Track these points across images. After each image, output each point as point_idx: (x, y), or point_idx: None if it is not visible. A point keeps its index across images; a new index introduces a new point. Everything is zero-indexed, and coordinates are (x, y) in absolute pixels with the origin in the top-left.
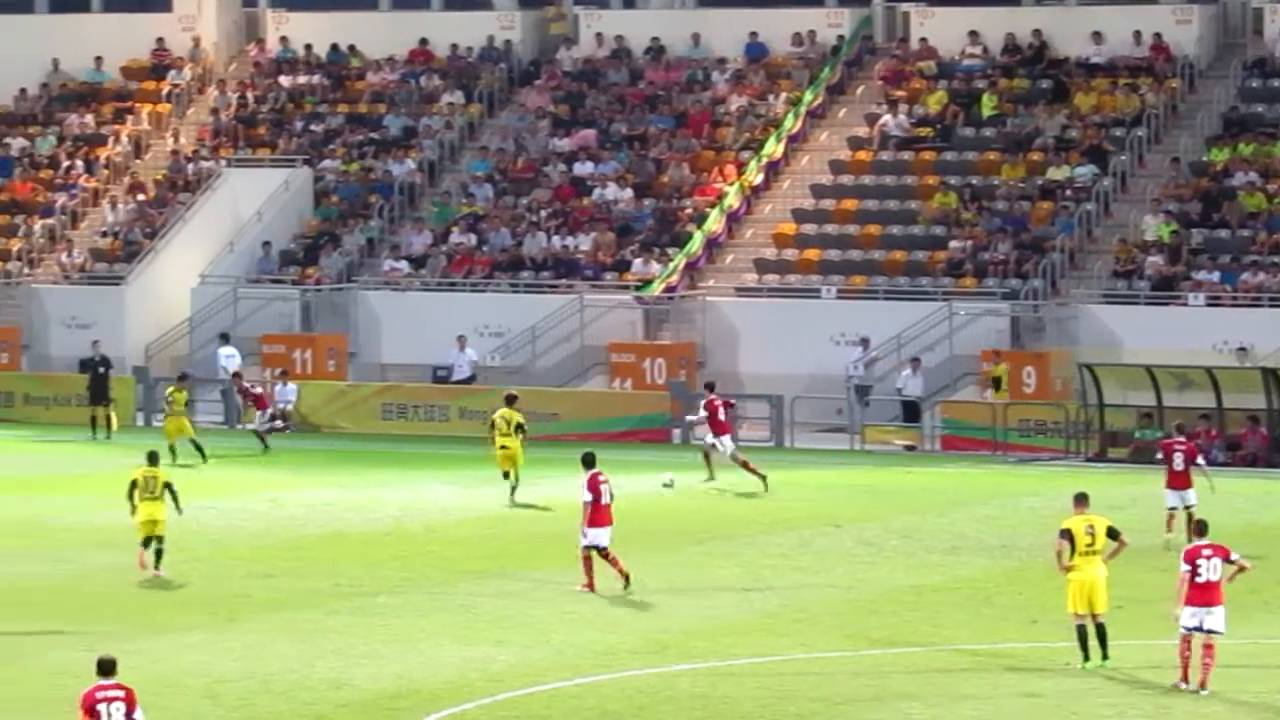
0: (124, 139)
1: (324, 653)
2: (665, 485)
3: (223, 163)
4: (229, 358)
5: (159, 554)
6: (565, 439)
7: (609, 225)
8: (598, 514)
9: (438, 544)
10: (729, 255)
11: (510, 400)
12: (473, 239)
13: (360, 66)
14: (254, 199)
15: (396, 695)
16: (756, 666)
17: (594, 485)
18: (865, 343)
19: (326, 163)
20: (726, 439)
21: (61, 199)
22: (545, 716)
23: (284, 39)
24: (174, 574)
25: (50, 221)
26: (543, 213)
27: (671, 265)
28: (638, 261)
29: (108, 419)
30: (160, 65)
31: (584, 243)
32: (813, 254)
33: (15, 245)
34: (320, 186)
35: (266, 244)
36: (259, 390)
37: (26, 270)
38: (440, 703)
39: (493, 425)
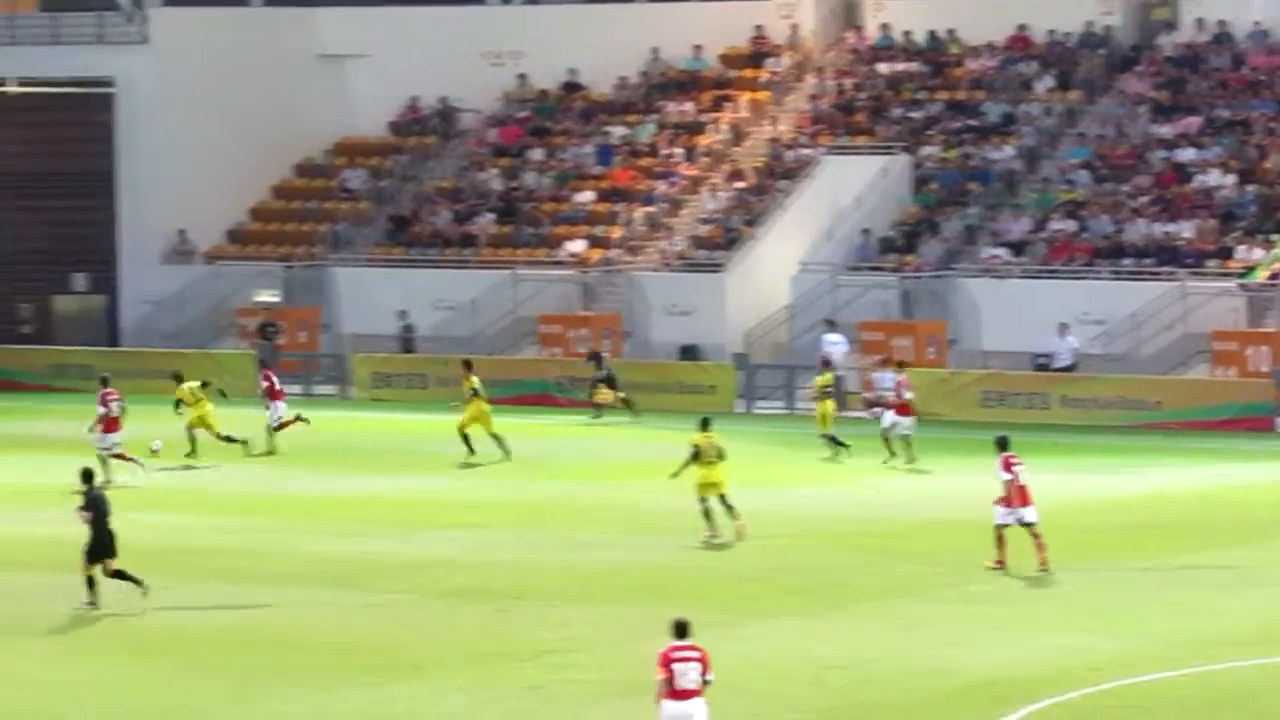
0: (723, 127)
1: (924, 641)
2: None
3: (821, 150)
4: (835, 345)
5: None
6: (1167, 427)
7: (1211, 212)
8: (1017, 493)
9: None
10: None
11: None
12: (1073, 226)
13: (959, 53)
14: (853, 186)
15: (998, 683)
16: None
17: (1008, 465)
18: None
19: (925, 149)
20: None
21: (661, 186)
22: (1146, 707)
23: (884, 26)
24: (772, 561)
25: (650, 209)
26: (1143, 199)
27: (1275, 252)
28: (1241, 248)
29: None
30: (759, 53)
31: (1186, 229)
32: None
33: (616, 233)
34: (919, 173)
35: (865, 231)
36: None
37: (627, 257)
38: (1042, 691)
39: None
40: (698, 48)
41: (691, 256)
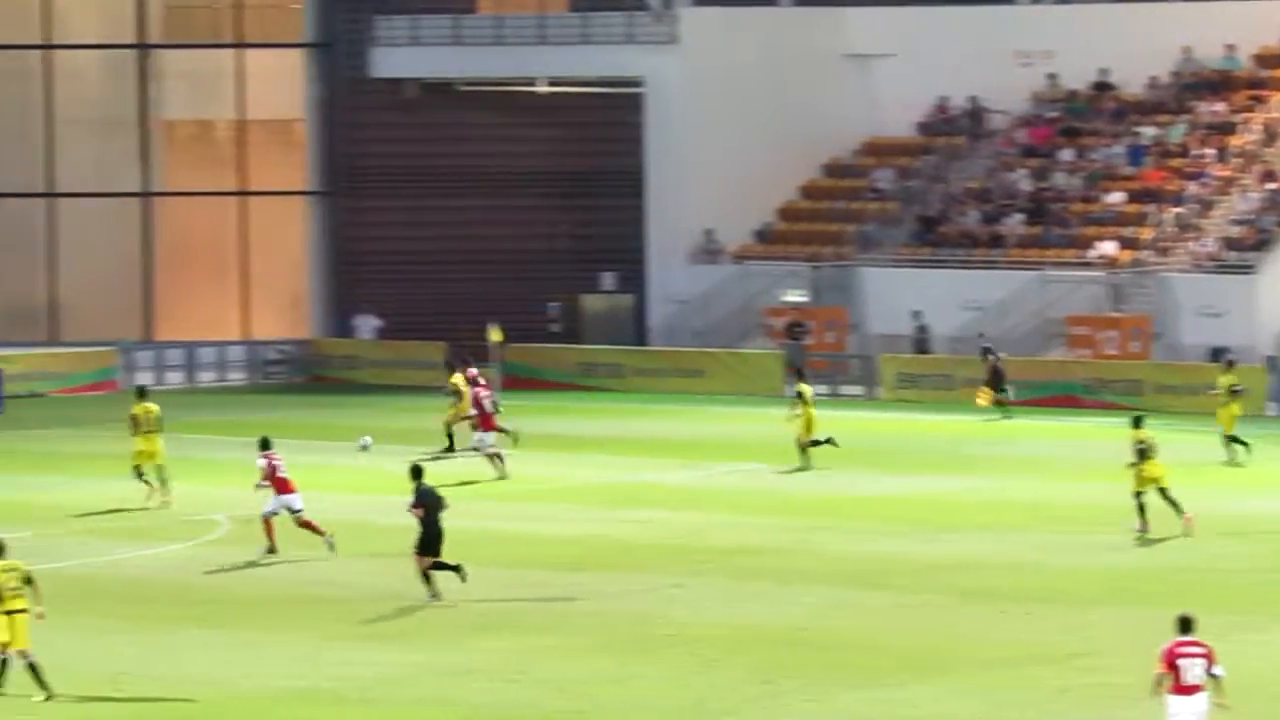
0: (1255, 127)
1: None
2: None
3: None
4: None
5: None
6: None
7: None
8: None
9: None
10: None
11: None
12: None
13: None
14: None
15: None
16: None
17: None
18: None
19: None
20: None
21: (1192, 187)
22: None
23: None
24: None
25: (1181, 210)
26: None
27: None
28: None
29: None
30: None
31: None
32: None
33: (1147, 233)
34: None
35: None
36: None
37: (1157, 259)
38: None
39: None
40: (1230, 47)
41: (1222, 258)
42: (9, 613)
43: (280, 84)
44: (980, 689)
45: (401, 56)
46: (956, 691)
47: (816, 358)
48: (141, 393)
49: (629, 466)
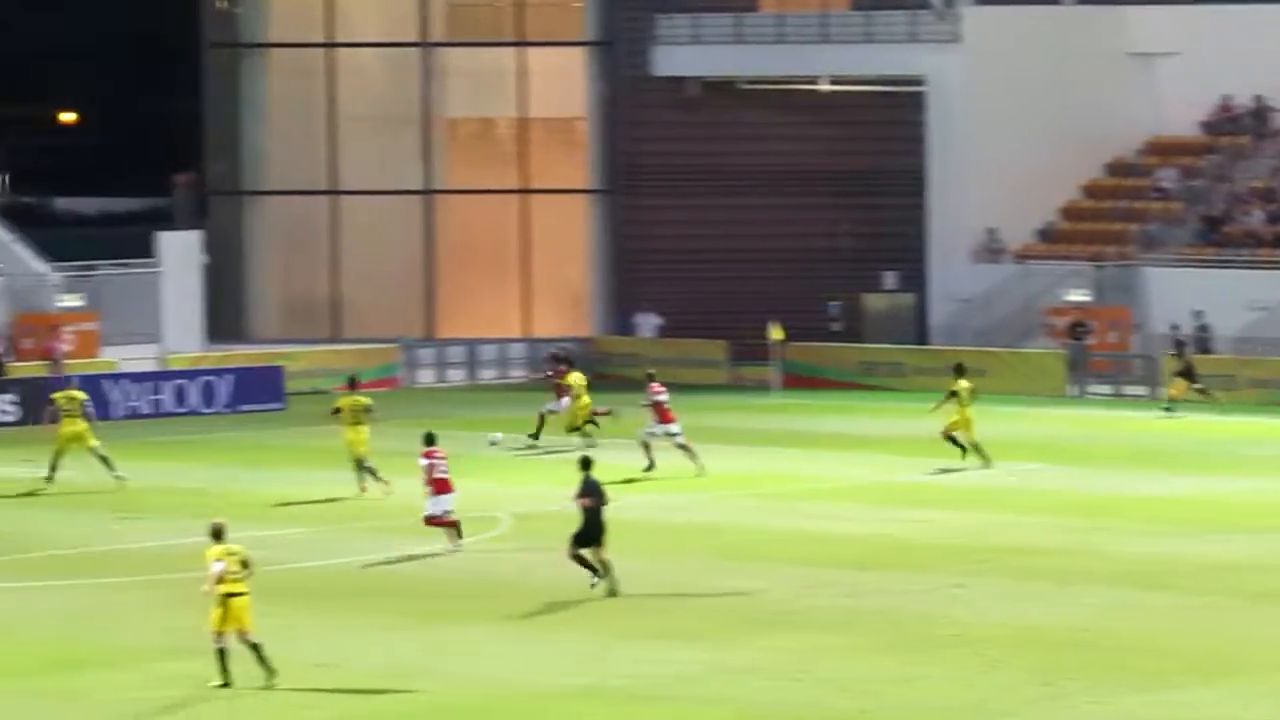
0: None
1: None
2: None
3: None
4: None
5: None
6: None
7: None
8: None
9: None
10: None
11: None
12: None
13: None
14: None
15: None
16: None
17: None
18: None
19: None
20: None
21: None
22: None
23: None
24: None
25: None
26: None
27: None
28: None
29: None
30: None
31: None
32: None
33: None
34: None
35: None
36: None
37: None
38: None
39: None
40: None
41: None
42: (227, 596)
43: (562, 82)
44: (1267, 693)
45: (683, 55)
46: (1242, 695)
47: (1099, 358)
48: (352, 384)
49: (908, 466)
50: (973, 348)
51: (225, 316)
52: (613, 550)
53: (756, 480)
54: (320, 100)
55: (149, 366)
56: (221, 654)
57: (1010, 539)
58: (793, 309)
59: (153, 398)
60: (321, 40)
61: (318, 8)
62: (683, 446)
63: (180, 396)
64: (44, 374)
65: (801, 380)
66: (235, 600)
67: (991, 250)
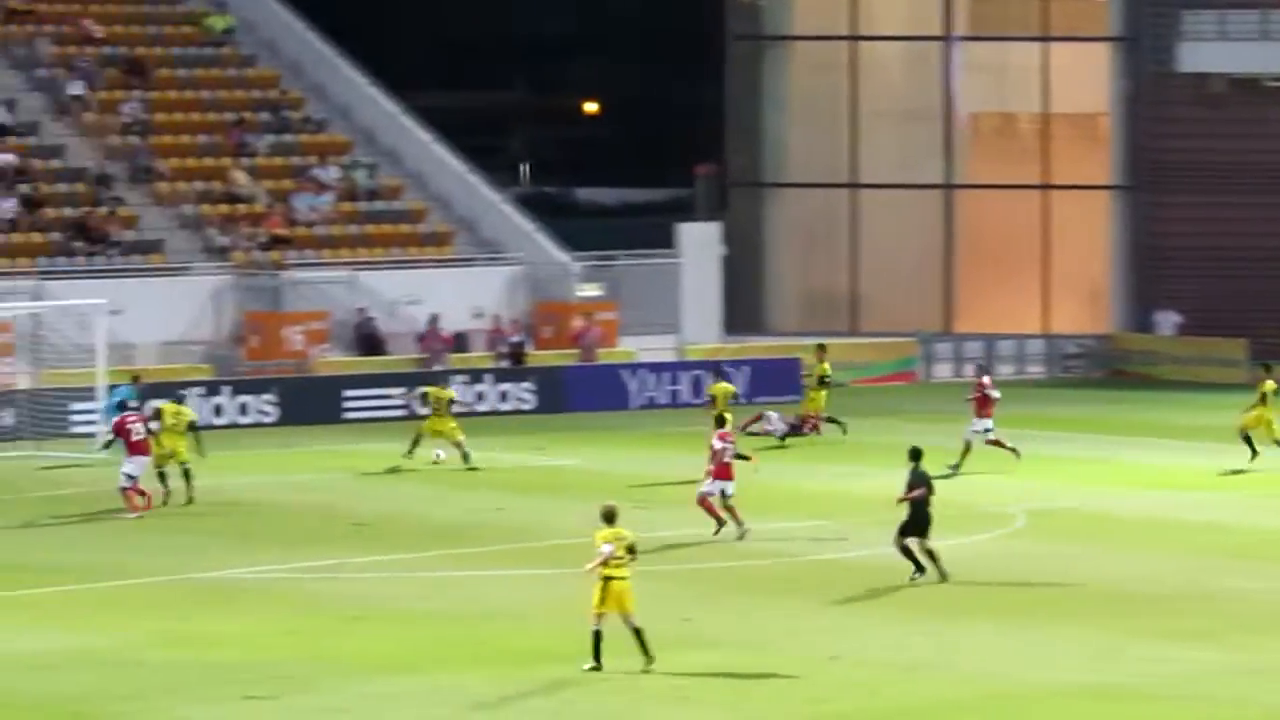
0: None
1: None
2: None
3: None
4: None
5: None
6: None
7: None
8: None
9: None
10: None
11: None
12: None
13: None
14: None
15: None
16: None
17: None
18: None
19: None
20: None
21: None
22: None
23: None
24: None
25: None
26: None
27: None
28: None
29: None
30: None
31: None
32: None
33: None
34: None
35: None
36: None
37: None
38: None
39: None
40: None
41: None
42: (607, 579)
43: (1084, 78)
44: None
45: (1208, 51)
46: None
47: None
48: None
49: None
50: None
51: (743, 308)
52: (1125, 547)
53: (1274, 481)
54: (842, 93)
55: (667, 357)
56: (596, 636)
57: None
58: None
59: (670, 388)
60: (845, 34)
61: (842, 2)
62: (994, 442)
63: (697, 387)
64: (564, 363)
65: None
66: (615, 584)
67: None
